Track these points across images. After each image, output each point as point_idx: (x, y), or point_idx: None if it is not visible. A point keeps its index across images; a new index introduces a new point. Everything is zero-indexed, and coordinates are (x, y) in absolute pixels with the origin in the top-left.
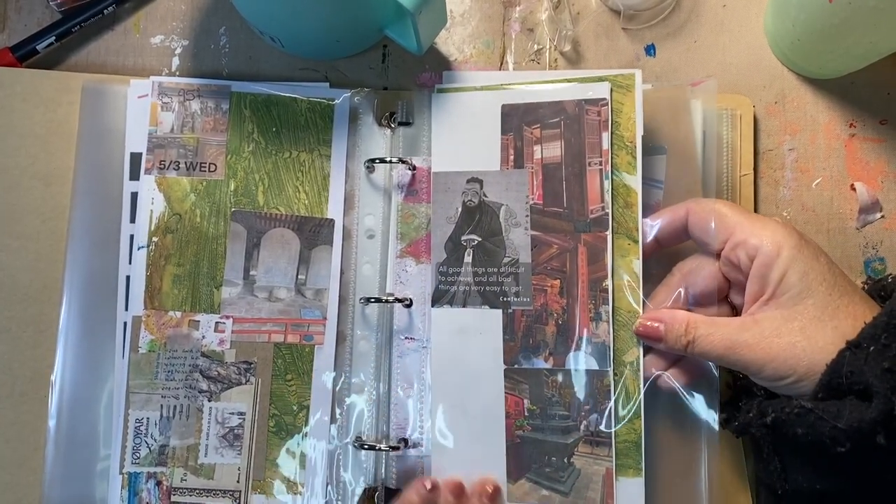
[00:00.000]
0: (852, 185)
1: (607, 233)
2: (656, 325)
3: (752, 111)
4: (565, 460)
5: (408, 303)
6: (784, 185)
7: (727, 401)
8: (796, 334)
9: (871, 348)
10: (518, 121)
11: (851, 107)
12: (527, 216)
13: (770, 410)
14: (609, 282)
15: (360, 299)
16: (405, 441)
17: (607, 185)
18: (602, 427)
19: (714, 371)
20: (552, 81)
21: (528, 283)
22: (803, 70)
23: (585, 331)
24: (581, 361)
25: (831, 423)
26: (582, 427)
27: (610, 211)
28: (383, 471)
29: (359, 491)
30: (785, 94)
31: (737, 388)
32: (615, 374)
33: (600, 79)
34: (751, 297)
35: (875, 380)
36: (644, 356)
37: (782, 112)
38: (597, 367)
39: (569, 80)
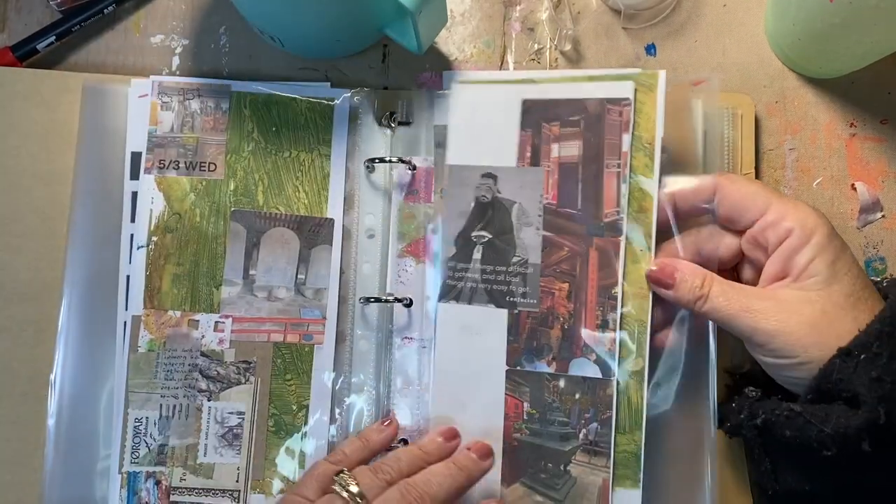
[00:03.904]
0: (853, 184)
1: (621, 238)
2: (671, 272)
3: (754, 110)
4: (562, 468)
5: (407, 302)
6: (785, 185)
7: (722, 402)
8: (817, 315)
9: (862, 356)
10: (537, 117)
11: (852, 106)
12: (539, 216)
13: (760, 412)
14: (619, 289)
15: (360, 299)
16: (404, 441)
17: (624, 189)
18: (601, 437)
19: (712, 374)
20: (575, 80)
21: (535, 285)
22: (804, 70)
23: (591, 338)
24: (584, 368)
25: (818, 427)
26: (581, 435)
27: (625, 216)
28: None
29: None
30: (785, 94)
31: (732, 389)
32: (618, 383)
33: (624, 77)
34: (770, 276)
35: (863, 388)
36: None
37: (783, 112)
38: (600, 376)
39: (591, 79)
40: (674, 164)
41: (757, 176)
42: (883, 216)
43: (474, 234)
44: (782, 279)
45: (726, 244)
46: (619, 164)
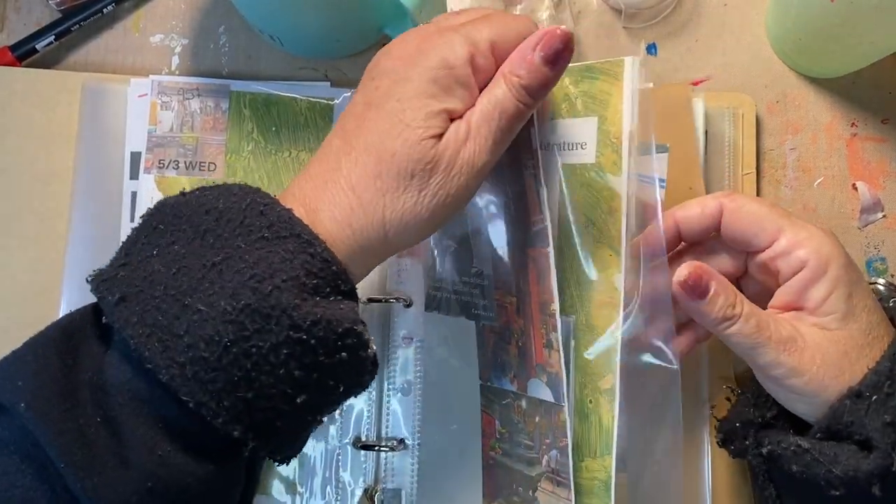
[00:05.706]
0: (854, 184)
1: (548, 249)
2: (707, 280)
3: (755, 110)
4: (531, 493)
5: (408, 303)
6: (786, 185)
7: (725, 418)
8: (840, 356)
9: (874, 398)
10: None
11: (853, 106)
12: (487, 224)
13: (766, 442)
14: (556, 306)
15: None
16: (404, 442)
17: (543, 193)
18: (562, 466)
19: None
20: None
21: (491, 297)
22: (805, 69)
23: (540, 358)
24: (539, 390)
25: (827, 466)
26: (543, 462)
27: (548, 223)
28: (383, 471)
29: (359, 492)
30: (786, 94)
31: (734, 405)
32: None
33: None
34: (781, 306)
35: (875, 433)
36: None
37: (784, 111)
38: (552, 400)
39: None
40: (675, 164)
41: (758, 175)
42: (884, 216)
43: (444, 241)
44: (795, 310)
45: (729, 261)
46: (532, 165)
